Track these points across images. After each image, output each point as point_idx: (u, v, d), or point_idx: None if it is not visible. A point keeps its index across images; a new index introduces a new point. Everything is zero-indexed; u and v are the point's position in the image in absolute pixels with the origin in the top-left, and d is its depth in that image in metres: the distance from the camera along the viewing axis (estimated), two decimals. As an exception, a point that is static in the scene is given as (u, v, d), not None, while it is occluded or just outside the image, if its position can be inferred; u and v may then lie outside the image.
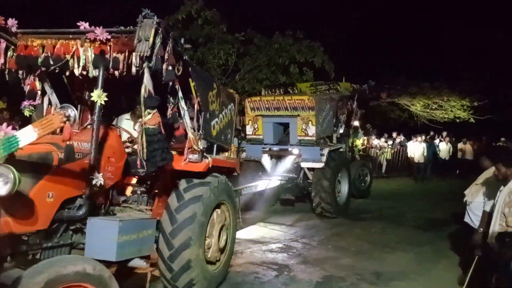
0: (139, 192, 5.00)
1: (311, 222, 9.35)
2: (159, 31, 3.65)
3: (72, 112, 3.33)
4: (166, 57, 3.81)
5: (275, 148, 10.08)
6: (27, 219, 3.40)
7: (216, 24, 15.04)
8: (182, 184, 4.72)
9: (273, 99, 9.80)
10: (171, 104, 4.35)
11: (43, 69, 4.06)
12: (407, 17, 23.61)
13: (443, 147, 18.89)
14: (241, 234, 7.66)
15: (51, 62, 3.88)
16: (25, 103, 4.45)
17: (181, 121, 4.69)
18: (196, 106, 4.77)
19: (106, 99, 3.69)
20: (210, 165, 4.79)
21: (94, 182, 3.75)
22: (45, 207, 3.54)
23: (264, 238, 7.79)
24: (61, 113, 3.27)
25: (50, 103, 4.77)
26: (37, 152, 3.45)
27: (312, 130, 9.46)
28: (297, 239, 7.94)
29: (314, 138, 9.50)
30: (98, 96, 3.68)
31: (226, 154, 6.18)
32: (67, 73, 4.01)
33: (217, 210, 5.08)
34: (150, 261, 4.38)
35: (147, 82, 3.70)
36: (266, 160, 10.08)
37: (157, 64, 3.68)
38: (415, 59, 22.95)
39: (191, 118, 4.81)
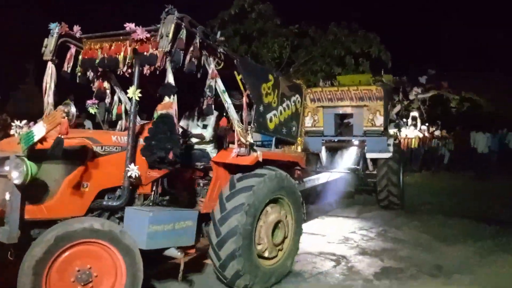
0: (201, 184, 5.11)
1: (370, 214, 9.23)
2: (182, 26, 3.81)
3: (72, 108, 3.50)
4: (191, 49, 3.94)
5: (336, 139, 9.88)
6: (60, 205, 3.70)
7: (270, 17, 14.94)
8: (237, 175, 4.77)
9: (337, 89, 9.61)
10: (207, 97, 4.34)
11: (100, 69, 4.41)
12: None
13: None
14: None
15: (106, 63, 4.19)
16: (89, 102, 4.80)
17: (224, 113, 4.81)
18: (245, 99, 4.73)
19: (140, 95, 3.92)
20: (260, 159, 4.68)
21: (129, 174, 3.87)
22: (80, 196, 3.84)
23: (324, 230, 7.74)
24: (61, 109, 3.48)
25: (120, 101, 5.02)
26: (71, 145, 3.71)
27: (380, 120, 9.30)
28: (355, 230, 7.87)
29: (381, 129, 9.35)
30: (133, 92, 3.92)
31: (292, 147, 5.89)
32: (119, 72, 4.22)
33: (272, 204, 4.98)
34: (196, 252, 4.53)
35: (168, 74, 3.87)
36: (323, 152, 9.89)
37: (178, 58, 3.83)
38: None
39: (238, 112, 4.79)
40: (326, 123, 9.68)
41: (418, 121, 17.21)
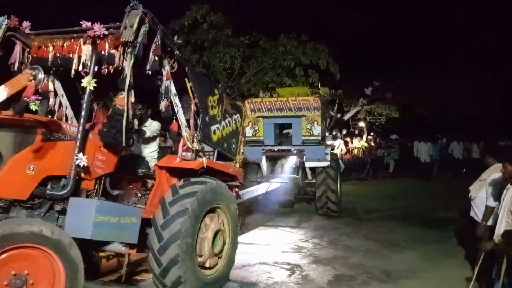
0: (139, 194, 5.04)
1: (316, 223, 9.41)
2: (145, 21, 3.85)
3: (40, 74, 3.47)
4: (153, 47, 3.98)
5: (276, 149, 10.04)
6: (3, 184, 3.59)
7: (221, 28, 15.07)
8: (180, 182, 4.78)
9: (276, 100, 9.82)
10: (163, 98, 4.41)
11: (53, 69, 4.33)
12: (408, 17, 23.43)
13: (455, 146, 18.68)
14: (250, 236, 7.85)
15: (59, 62, 4.13)
16: (33, 97, 4.52)
17: (174, 118, 4.81)
18: (193, 106, 4.81)
19: (95, 85, 3.90)
20: (205, 165, 4.76)
21: (77, 162, 3.82)
22: (25, 178, 3.72)
23: (275, 240, 7.85)
24: (28, 72, 3.41)
25: (61, 104, 4.93)
26: (24, 125, 3.64)
27: (317, 129, 9.56)
28: (307, 239, 8.02)
29: (319, 138, 9.62)
30: (88, 82, 3.91)
31: (232, 163, 6.04)
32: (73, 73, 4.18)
33: (211, 214, 5.03)
34: (141, 255, 4.48)
35: (126, 67, 3.86)
36: (263, 162, 10.06)
37: (140, 51, 3.84)
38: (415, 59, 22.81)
39: (187, 118, 4.84)
40: (266, 133, 9.83)
41: (365, 131, 17.78)
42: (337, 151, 14.78)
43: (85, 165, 3.88)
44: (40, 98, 4.45)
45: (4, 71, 4.34)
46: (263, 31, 15.77)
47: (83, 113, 3.98)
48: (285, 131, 10.36)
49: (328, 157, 9.54)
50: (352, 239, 8.04)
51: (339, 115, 12.63)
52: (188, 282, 4.45)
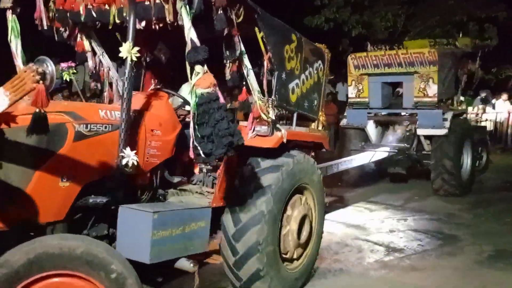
0: (205, 170, 4.05)
1: (427, 202, 7.65)
2: None
3: (49, 67, 2.44)
4: None
5: (384, 112, 8.51)
6: (29, 209, 2.70)
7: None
8: (258, 156, 3.78)
9: (383, 54, 8.29)
10: (229, 61, 3.47)
11: (81, 25, 3.54)
12: None
13: None
14: (339, 216, 6.74)
15: (93, 16, 3.30)
16: (64, 65, 3.89)
17: (244, 83, 3.78)
18: (266, 63, 3.72)
19: (138, 54, 2.88)
20: (285, 140, 3.75)
21: (124, 162, 2.88)
22: (58, 194, 2.82)
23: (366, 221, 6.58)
24: (33, 69, 2.37)
25: (102, 64, 4.10)
26: (42, 123, 2.63)
27: (433, 89, 7.75)
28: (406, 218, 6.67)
29: (435, 99, 7.78)
30: (128, 51, 2.84)
31: (313, 125, 4.87)
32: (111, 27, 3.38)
33: (296, 196, 4.02)
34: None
35: (188, 30, 2.86)
36: (371, 127, 8.58)
37: (199, 5, 2.87)
38: None
39: (259, 80, 3.81)
40: (372, 93, 8.36)
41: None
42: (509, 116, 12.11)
43: (135, 163, 2.93)
44: (73, 64, 3.86)
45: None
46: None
47: (125, 95, 2.91)
48: (397, 89, 8.73)
49: (448, 124, 7.61)
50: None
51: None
52: (268, 276, 3.58)
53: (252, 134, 3.61)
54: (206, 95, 2.76)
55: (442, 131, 7.63)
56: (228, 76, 3.50)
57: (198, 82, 2.78)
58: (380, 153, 8.06)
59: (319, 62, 4.70)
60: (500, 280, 4.38)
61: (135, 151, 2.92)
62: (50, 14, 3.48)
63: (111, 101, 4.03)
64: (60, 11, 3.39)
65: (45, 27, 3.48)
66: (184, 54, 2.85)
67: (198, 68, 2.79)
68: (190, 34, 2.83)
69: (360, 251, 5.25)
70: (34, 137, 2.56)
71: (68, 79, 3.81)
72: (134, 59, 2.88)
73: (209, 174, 3.98)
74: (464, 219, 6.67)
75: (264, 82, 3.67)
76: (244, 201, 3.53)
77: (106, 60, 4.02)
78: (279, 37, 3.89)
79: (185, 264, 3.20)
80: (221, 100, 2.85)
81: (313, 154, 4.97)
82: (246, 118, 4.00)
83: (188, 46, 2.82)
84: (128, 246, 2.93)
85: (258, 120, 3.59)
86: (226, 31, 3.19)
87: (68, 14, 3.40)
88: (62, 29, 3.61)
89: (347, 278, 4.50)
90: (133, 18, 2.92)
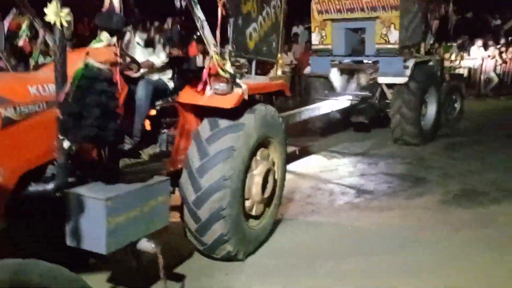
0: (162, 131, 3.85)
1: (389, 150, 7.67)
2: None
3: None
4: None
5: (347, 60, 8.33)
6: None
7: None
8: (205, 130, 3.55)
9: None
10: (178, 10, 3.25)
11: None
12: None
13: None
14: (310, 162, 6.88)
15: None
16: None
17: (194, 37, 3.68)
18: (220, 9, 3.38)
19: (69, 18, 2.42)
20: (245, 96, 3.46)
21: (65, 145, 2.55)
22: None
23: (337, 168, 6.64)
24: None
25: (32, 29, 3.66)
26: None
27: (394, 35, 7.54)
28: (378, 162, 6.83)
29: (396, 46, 7.58)
30: (55, 13, 2.38)
31: (271, 72, 4.58)
32: None
33: (261, 150, 3.88)
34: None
35: None
36: (335, 75, 8.41)
37: None
38: None
39: (213, 31, 3.47)
40: (335, 40, 8.10)
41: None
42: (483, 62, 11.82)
43: (74, 148, 2.61)
44: None
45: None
46: None
47: (58, 67, 2.50)
48: (361, 36, 8.46)
49: (408, 72, 7.43)
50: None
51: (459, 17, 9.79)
52: (233, 239, 3.51)
53: (210, 93, 3.39)
54: (95, 70, 2.48)
55: (402, 79, 7.51)
56: (177, 28, 3.26)
57: (95, 52, 2.49)
58: (344, 102, 7.95)
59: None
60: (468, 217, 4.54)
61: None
62: None
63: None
64: None
65: None
66: None
67: (104, 36, 2.52)
68: None
69: (332, 194, 5.43)
70: None
71: None
72: (65, 24, 2.42)
73: (164, 132, 3.81)
74: (435, 162, 6.80)
75: (218, 32, 3.35)
76: (204, 166, 3.38)
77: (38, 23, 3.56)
78: None
79: (145, 245, 2.99)
80: (118, 85, 2.58)
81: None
82: (195, 76, 3.69)
83: (105, 7, 2.53)
84: (80, 236, 2.71)
85: (215, 77, 3.33)
86: None
87: None
88: None
89: (318, 218, 4.62)
90: None
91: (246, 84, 3.55)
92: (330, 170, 6.46)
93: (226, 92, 3.38)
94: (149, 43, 3.93)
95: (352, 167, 6.64)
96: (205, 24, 3.29)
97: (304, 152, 7.29)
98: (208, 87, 3.38)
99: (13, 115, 2.57)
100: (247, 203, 3.77)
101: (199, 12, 3.22)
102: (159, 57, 3.86)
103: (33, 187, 2.74)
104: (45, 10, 2.41)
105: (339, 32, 8.10)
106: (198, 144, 3.44)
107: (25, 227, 3.13)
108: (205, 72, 3.37)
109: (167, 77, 3.96)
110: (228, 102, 3.39)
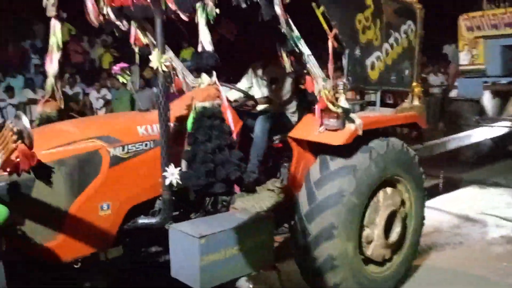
0: (284, 164, 3.78)
1: None
2: None
3: (22, 123, 2.24)
4: None
5: (504, 81, 7.35)
6: (71, 244, 2.65)
7: None
8: (330, 151, 3.42)
9: (504, 12, 7.21)
10: (283, 51, 3.07)
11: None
12: None
13: None
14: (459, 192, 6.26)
15: (140, 12, 3.02)
16: (116, 67, 3.50)
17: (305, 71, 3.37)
18: (331, 42, 3.22)
19: (168, 63, 2.61)
20: (359, 132, 3.22)
21: (167, 182, 2.62)
22: (100, 223, 2.74)
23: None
24: (10, 127, 2.21)
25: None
26: (73, 155, 2.62)
27: None
28: None
29: None
30: (158, 60, 2.53)
31: (406, 102, 4.15)
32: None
33: (385, 189, 3.64)
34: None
35: (201, 29, 2.59)
36: (487, 99, 7.47)
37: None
38: None
39: (323, 64, 3.35)
40: (489, 59, 7.40)
41: None
42: None
43: (180, 182, 2.66)
44: (126, 65, 3.41)
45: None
46: None
47: (161, 109, 2.65)
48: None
49: None
50: None
51: None
52: (342, 271, 3.31)
53: (321, 129, 3.22)
54: (200, 111, 2.52)
55: None
56: (288, 67, 3.10)
57: (197, 94, 2.58)
58: (499, 129, 7.01)
59: (409, 22, 3.98)
60: None
61: (179, 168, 2.65)
62: (105, 11, 3.15)
63: (180, 92, 3.67)
64: (114, 8, 3.12)
65: (97, 25, 3.20)
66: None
67: (203, 77, 2.59)
68: (202, 36, 2.56)
69: (484, 225, 4.93)
70: (62, 173, 2.56)
71: (124, 81, 3.49)
72: (165, 69, 2.61)
73: (285, 165, 3.71)
74: None
75: (330, 66, 3.19)
76: (312, 211, 3.23)
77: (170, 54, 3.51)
78: (346, 7, 3.35)
79: (243, 285, 3.01)
80: (229, 118, 2.61)
81: (415, 132, 4.45)
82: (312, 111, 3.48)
83: (200, 49, 2.59)
84: (180, 269, 2.81)
85: (325, 112, 3.15)
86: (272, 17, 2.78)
87: (121, 10, 3.11)
88: (118, 23, 3.23)
89: (467, 251, 4.32)
90: (159, 22, 2.66)
91: (365, 117, 3.29)
92: (482, 200, 5.76)
93: (336, 128, 3.16)
94: (273, 80, 3.92)
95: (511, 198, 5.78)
96: (311, 58, 3.08)
97: (452, 183, 6.54)
98: (319, 125, 3.21)
99: (121, 154, 2.79)
100: (369, 248, 3.47)
101: (303, 48, 3.03)
102: (284, 91, 3.87)
103: (141, 220, 2.93)
104: (150, 57, 2.61)
105: (494, 50, 7.29)
106: (307, 186, 3.27)
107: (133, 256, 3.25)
108: (317, 107, 3.18)
109: (290, 111, 3.91)
110: (338, 138, 3.13)
